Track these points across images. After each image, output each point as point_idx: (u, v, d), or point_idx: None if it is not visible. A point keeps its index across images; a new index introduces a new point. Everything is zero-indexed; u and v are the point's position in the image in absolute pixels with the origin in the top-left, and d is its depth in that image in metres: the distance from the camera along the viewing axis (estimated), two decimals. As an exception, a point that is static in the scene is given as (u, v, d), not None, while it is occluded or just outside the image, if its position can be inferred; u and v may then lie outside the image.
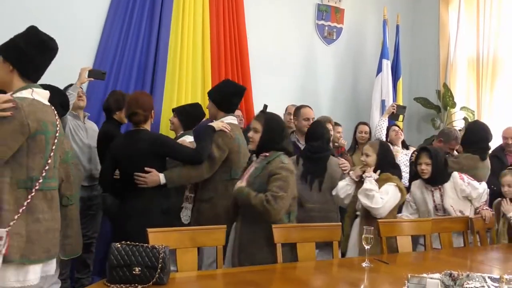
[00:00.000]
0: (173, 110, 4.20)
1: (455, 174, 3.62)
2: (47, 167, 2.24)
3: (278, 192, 2.71)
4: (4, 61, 2.24)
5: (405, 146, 5.04)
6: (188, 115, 4.01)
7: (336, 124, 5.00)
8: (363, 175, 3.39)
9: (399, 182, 3.36)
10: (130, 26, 4.73)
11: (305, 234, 2.90)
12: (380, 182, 3.31)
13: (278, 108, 5.07)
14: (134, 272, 2.13)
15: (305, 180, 3.65)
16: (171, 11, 4.91)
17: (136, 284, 2.12)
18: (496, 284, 2.36)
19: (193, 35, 5.03)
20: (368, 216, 3.27)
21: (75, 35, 4.50)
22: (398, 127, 5.13)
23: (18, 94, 2.22)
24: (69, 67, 4.29)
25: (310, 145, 3.77)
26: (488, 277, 2.51)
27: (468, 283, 2.34)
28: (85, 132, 3.90)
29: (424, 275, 2.49)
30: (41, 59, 2.30)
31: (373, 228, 2.76)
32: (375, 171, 3.40)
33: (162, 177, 3.16)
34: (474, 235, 3.52)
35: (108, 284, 2.12)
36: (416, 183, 3.77)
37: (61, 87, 3.97)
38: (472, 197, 3.65)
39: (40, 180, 2.20)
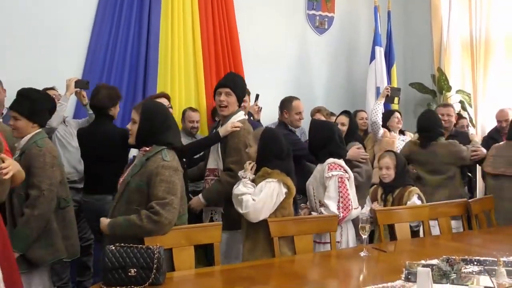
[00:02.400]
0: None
1: (330, 159, 3.13)
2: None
3: (165, 198, 2.38)
4: None
5: (401, 132, 5.02)
6: None
7: (332, 114, 4.99)
8: (239, 175, 2.91)
9: (283, 176, 2.83)
10: (120, 25, 4.71)
11: (302, 226, 2.90)
12: (257, 179, 2.84)
13: (272, 101, 5.07)
14: (129, 273, 2.14)
15: None
16: (160, 7, 4.88)
17: (132, 286, 2.12)
18: (494, 267, 2.36)
19: (183, 31, 5.00)
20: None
21: (65, 36, 4.50)
22: (400, 114, 5.09)
23: None
24: (59, 69, 4.33)
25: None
26: (486, 260, 2.51)
27: (465, 268, 2.34)
28: (71, 136, 3.93)
29: (422, 261, 2.49)
30: None
31: (369, 217, 2.76)
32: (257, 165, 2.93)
33: (201, 198, 3.19)
34: (472, 219, 3.51)
35: (104, 287, 2.12)
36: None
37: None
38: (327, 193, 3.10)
39: None
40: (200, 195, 3.20)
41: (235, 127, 3.16)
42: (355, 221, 3.13)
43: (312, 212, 3.19)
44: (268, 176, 2.79)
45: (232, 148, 3.14)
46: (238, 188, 2.78)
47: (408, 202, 3.36)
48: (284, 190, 2.81)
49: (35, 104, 2.84)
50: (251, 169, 2.87)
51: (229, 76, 3.51)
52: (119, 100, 3.62)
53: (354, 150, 3.92)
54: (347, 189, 3.05)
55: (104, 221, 2.45)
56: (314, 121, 3.54)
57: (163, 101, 3.52)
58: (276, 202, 2.79)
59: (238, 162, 3.07)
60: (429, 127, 4.13)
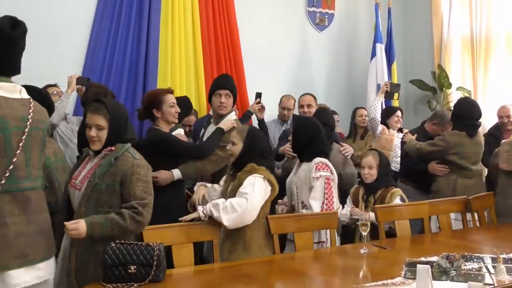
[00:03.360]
0: None
1: (317, 159, 3.11)
2: (11, 167, 2.07)
3: (144, 198, 2.29)
4: None
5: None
6: None
7: (333, 112, 4.99)
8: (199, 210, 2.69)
9: (268, 173, 2.81)
10: (119, 23, 4.70)
11: (302, 223, 2.90)
12: (243, 174, 2.78)
13: (273, 100, 5.07)
14: (129, 270, 2.14)
15: None
16: (160, 5, 4.86)
17: (132, 283, 2.13)
18: (494, 264, 2.36)
19: (184, 29, 4.99)
20: None
21: (64, 34, 4.49)
22: (402, 112, 5.08)
23: None
24: (59, 67, 4.32)
25: None
26: (486, 257, 2.51)
27: (465, 265, 2.34)
28: (72, 132, 3.94)
29: (422, 258, 2.50)
30: (5, 51, 2.16)
31: (369, 214, 2.75)
32: (239, 162, 2.89)
33: (176, 173, 3.24)
34: (472, 216, 3.51)
35: (104, 284, 2.12)
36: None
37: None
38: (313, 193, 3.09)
39: (3, 181, 2.04)
40: (176, 170, 3.25)
41: (234, 124, 3.44)
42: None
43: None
44: (255, 172, 2.76)
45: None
46: (216, 212, 2.60)
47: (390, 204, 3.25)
48: (269, 187, 2.79)
49: None
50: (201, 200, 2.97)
51: (227, 78, 3.82)
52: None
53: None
54: (332, 191, 3.06)
55: (80, 221, 2.19)
56: (297, 118, 3.45)
57: (170, 97, 3.45)
58: (264, 198, 2.76)
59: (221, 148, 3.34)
60: (478, 116, 4.12)
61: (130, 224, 2.24)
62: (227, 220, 2.58)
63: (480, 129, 4.27)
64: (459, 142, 4.04)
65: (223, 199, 2.67)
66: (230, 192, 2.83)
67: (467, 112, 4.13)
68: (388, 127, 4.84)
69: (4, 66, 2.17)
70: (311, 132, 3.17)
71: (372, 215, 3.17)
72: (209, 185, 3.12)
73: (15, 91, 2.18)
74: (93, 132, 2.36)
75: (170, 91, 3.54)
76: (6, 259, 2.04)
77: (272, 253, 2.78)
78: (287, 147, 3.75)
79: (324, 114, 3.93)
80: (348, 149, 3.77)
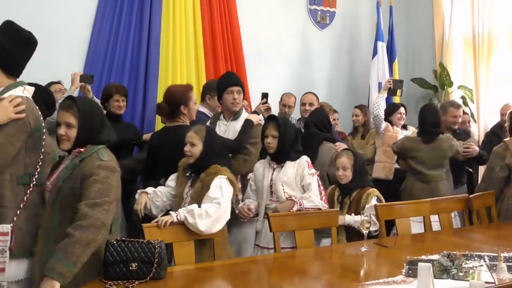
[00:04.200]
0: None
1: (305, 157, 3.13)
2: (40, 163, 2.30)
3: (96, 199, 2.08)
4: None
5: (403, 127, 5.00)
6: None
7: (335, 111, 4.98)
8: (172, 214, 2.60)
9: (230, 173, 2.77)
10: (120, 21, 4.70)
11: (303, 221, 2.89)
12: (208, 177, 2.72)
13: (274, 98, 5.07)
14: (131, 268, 2.15)
15: None
16: (161, 3, 4.86)
17: (133, 280, 2.13)
18: (494, 263, 2.36)
19: (185, 27, 4.99)
20: None
21: (66, 32, 4.49)
22: (405, 108, 5.07)
23: (11, 92, 2.25)
24: (60, 66, 4.31)
25: (304, 132, 3.86)
26: (487, 255, 2.51)
27: (466, 263, 2.34)
28: None
29: (423, 257, 2.50)
30: (23, 55, 2.34)
31: (370, 212, 2.75)
32: (197, 164, 2.80)
33: None
34: (473, 214, 3.50)
35: (105, 281, 2.12)
36: (263, 161, 3.25)
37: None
38: (308, 190, 3.07)
39: (36, 176, 2.28)
40: None
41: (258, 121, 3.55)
42: None
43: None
44: (220, 173, 2.71)
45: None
46: (191, 218, 2.52)
47: (367, 206, 3.17)
48: (231, 188, 2.73)
49: None
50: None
51: (235, 75, 3.83)
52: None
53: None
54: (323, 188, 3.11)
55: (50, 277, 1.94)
56: (282, 119, 3.28)
57: (194, 94, 3.46)
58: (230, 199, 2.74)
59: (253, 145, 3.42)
60: (438, 122, 4.17)
61: (81, 234, 2.00)
62: (204, 226, 2.51)
63: (480, 127, 4.30)
64: (413, 147, 4.15)
65: (196, 205, 2.58)
66: (193, 195, 2.75)
67: (423, 118, 4.24)
68: (392, 124, 4.83)
69: (20, 68, 2.36)
70: (294, 133, 3.15)
71: (347, 218, 3.17)
72: (150, 190, 2.95)
73: (31, 94, 2.37)
74: (61, 130, 2.22)
75: (192, 88, 3.56)
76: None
77: (232, 252, 2.90)
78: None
79: (316, 115, 3.98)
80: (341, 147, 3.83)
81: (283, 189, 3.04)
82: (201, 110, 4.00)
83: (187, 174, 2.88)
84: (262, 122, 3.59)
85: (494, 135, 4.66)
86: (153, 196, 2.94)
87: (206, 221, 2.53)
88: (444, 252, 2.37)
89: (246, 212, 3.09)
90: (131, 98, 4.65)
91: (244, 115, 3.61)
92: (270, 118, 3.20)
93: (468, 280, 2.12)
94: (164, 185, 3.06)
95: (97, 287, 2.08)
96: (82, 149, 2.23)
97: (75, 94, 4.07)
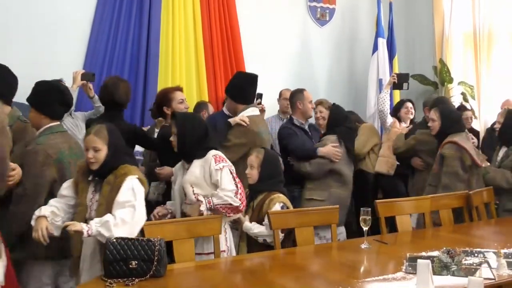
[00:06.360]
0: None
1: (212, 152, 2.83)
2: None
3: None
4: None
5: (412, 122, 4.97)
6: None
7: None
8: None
9: (140, 173, 2.53)
10: (120, 17, 4.70)
11: (303, 218, 2.90)
12: (117, 179, 2.44)
13: (274, 95, 5.07)
14: (130, 266, 2.15)
15: None
16: (160, 2, 4.86)
17: (133, 278, 2.13)
18: (495, 259, 2.36)
19: (185, 24, 4.99)
20: None
21: (65, 29, 4.50)
22: (412, 103, 5.03)
23: None
24: (60, 64, 4.31)
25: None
26: (487, 252, 2.51)
27: (466, 259, 2.34)
28: (77, 128, 3.93)
29: (423, 253, 2.50)
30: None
31: (370, 209, 2.75)
32: (103, 169, 2.49)
33: None
34: (473, 210, 3.50)
35: (105, 279, 2.12)
36: (180, 162, 3.01)
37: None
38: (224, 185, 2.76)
39: None
40: None
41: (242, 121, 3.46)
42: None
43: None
44: (130, 173, 2.45)
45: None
46: (107, 232, 2.29)
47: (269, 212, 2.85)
48: (142, 187, 2.48)
49: (41, 95, 2.84)
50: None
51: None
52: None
53: (329, 148, 3.87)
54: (239, 181, 2.81)
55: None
56: (180, 115, 2.99)
57: (178, 94, 3.48)
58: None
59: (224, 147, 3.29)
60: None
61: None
62: (122, 234, 2.28)
63: (481, 124, 4.28)
64: (429, 140, 4.04)
65: (110, 215, 2.34)
66: (101, 201, 2.45)
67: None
68: (400, 121, 4.83)
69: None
70: (200, 129, 2.87)
71: (246, 224, 2.89)
72: (48, 212, 2.48)
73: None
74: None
75: (179, 89, 3.58)
76: None
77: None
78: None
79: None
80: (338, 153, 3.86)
81: (193, 190, 2.77)
82: (223, 109, 3.93)
83: (89, 179, 2.55)
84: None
85: (495, 131, 4.65)
86: (52, 218, 2.49)
87: (124, 229, 2.30)
88: (444, 248, 2.37)
89: (155, 216, 2.85)
90: (131, 96, 4.64)
91: (245, 113, 3.55)
92: (172, 115, 2.98)
93: (468, 277, 2.11)
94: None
95: (97, 285, 2.08)
96: None
97: (76, 92, 4.08)
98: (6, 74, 2.95)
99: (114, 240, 2.19)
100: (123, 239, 2.20)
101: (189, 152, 2.83)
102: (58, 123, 2.91)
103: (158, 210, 2.90)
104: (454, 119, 3.82)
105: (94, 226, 2.29)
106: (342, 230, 3.91)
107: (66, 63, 4.32)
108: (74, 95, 3.85)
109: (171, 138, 2.87)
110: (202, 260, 2.53)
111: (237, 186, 2.74)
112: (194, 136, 2.82)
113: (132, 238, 2.22)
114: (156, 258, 2.15)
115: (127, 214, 2.34)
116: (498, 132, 4.08)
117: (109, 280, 2.11)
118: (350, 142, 4.08)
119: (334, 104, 4.30)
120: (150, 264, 2.15)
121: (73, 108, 4.07)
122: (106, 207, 2.40)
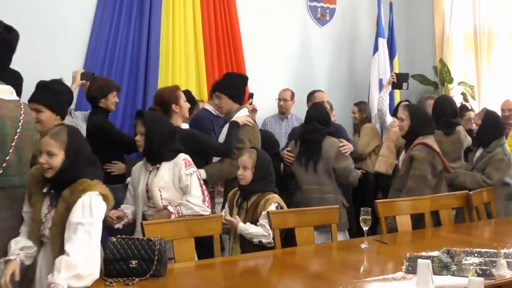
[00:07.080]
0: None
1: (182, 155, 2.76)
2: (4, 164, 2.20)
3: None
4: None
5: None
6: None
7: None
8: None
9: (102, 187, 2.23)
10: (120, 17, 4.68)
11: (303, 218, 2.90)
12: (74, 195, 2.14)
13: (274, 95, 5.07)
14: (131, 265, 2.15)
15: (300, 162, 3.72)
16: (160, 2, 4.85)
17: (134, 277, 2.13)
18: (494, 259, 2.36)
19: (185, 25, 4.98)
20: None
21: (65, 29, 4.49)
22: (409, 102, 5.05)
23: None
24: (60, 64, 4.31)
25: (304, 127, 3.84)
26: (487, 252, 2.51)
27: (466, 259, 2.34)
28: (77, 127, 3.93)
29: (423, 253, 2.50)
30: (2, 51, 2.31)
31: (370, 209, 2.75)
32: (58, 179, 2.18)
33: (203, 173, 3.19)
34: (473, 211, 3.50)
35: (106, 278, 2.13)
36: (140, 163, 2.91)
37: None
38: (187, 193, 2.72)
39: None
40: (202, 170, 3.21)
41: (248, 121, 3.49)
42: None
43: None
44: (90, 189, 2.15)
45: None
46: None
47: (263, 213, 2.84)
48: (104, 204, 2.20)
49: (58, 95, 2.86)
50: None
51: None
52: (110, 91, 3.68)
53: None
54: (206, 188, 2.80)
55: None
56: (150, 115, 2.87)
57: (182, 93, 3.46)
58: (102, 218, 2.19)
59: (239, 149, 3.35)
60: (456, 111, 4.14)
61: None
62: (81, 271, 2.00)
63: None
64: (436, 140, 3.86)
65: (62, 257, 2.00)
66: (56, 220, 2.16)
67: (442, 109, 4.15)
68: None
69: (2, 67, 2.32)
70: (168, 129, 2.80)
71: (241, 226, 2.81)
72: (17, 251, 2.18)
73: (8, 92, 2.31)
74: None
75: (179, 88, 3.57)
76: None
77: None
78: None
79: (317, 109, 3.92)
80: (347, 147, 3.78)
81: (161, 195, 2.68)
82: (206, 108, 3.95)
83: (44, 191, 2.24)
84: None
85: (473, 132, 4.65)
86: (24, 256, 2.21)
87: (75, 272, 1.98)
88: (444, 248, 2.37)
89: (111, 218, 2.68)
90: (131, 96, 4.66)
91: (238, 115, 3.51)
92: (138, 114, 2.83)
93: (467, 277, 2.12)
94: None
95: (97, 285, 2.08)
96: None
97: (76, 91, 4.09)
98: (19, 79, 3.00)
99: (114, 239, 2.20)
100: (123, 238, 2.21)
101: (156, 153, 2.74)
102: (63, 122, 2.91)
103: (113, 212, 2.69)
104: (425, 119, 3.69)
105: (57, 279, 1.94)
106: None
107: (66, 63, 4.31)
108: (74, 95, 3.88)
109: (137, 138, 2.75)
110: (202, 260, 2.53)
111: (203, 193, 2.71)
112: (163, 136, 2.73)
113: (133, 237, 2.23)
114: (156, 257, 2.16)
115: (81, 244, 2.03)
116: (476, 133, 4.08)
117: (109, 280, 2.11)
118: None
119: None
120: (150, 263, 2.16)
121: (73, 107, 4.09)
122: (61, 227, 2.12)
